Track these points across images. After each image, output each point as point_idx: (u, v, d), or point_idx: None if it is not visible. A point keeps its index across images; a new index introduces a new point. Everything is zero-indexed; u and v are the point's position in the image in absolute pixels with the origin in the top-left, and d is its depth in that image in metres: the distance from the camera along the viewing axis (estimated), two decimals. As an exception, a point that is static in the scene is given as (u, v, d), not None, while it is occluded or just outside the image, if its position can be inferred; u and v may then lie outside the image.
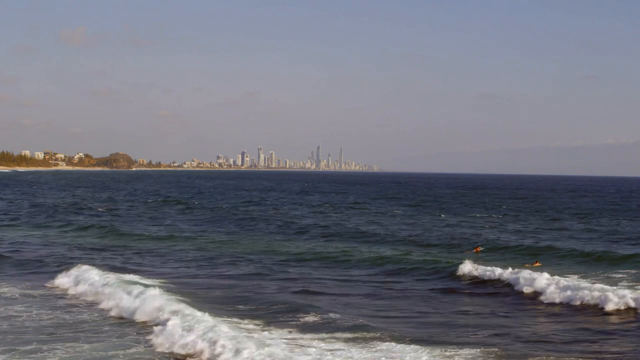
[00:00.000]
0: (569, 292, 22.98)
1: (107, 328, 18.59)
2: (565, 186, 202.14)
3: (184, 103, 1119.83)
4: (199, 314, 18.46)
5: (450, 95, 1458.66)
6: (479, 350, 16.17)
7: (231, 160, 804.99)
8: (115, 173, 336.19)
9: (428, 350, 15.96)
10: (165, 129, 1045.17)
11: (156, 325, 18.02)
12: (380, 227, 51.35)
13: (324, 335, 17.43)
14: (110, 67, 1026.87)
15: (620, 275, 28.02)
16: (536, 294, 23.86)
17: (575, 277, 27.61)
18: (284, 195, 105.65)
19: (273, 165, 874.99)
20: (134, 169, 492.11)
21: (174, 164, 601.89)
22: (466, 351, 16.06)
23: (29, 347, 16.19)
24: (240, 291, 24.13)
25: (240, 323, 18.68)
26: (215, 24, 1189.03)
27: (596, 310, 21.45)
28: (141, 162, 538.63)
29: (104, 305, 21.12)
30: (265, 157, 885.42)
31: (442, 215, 64.33)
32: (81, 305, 21.59)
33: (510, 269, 27.34)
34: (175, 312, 18.68)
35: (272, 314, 20.09)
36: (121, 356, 15.79)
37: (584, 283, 25.30)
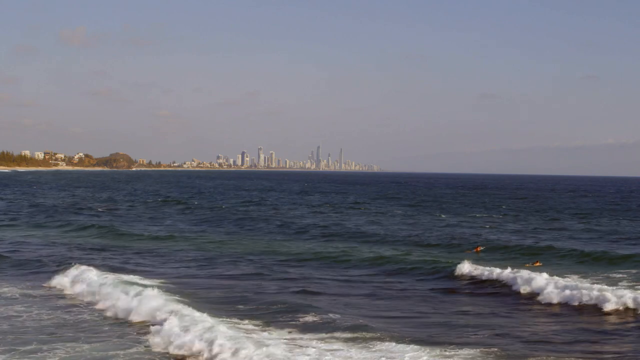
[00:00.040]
0: (568, 292, 22.96)
1: (106, 328, 18.60)
2: (565, 186, 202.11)
3: (184, 103, 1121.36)
4: (197, 314, 18.45)
5: (450, 95, 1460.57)
6: (478, 350, 16.16)
7: (231, 160, 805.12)
8: (115, 173, 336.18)
9: (428, 350, 15.95)
10: (165, 129, 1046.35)
11: (155, 325, 17.98)
12: (380, 227, 51.34)
13: (324, 335, 17.42)
14: (110, 67, 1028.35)
15: (620, 275, 28.01)
16: (536, 294, 23.83)
17: (575, 277, 27.61)
18: (284, 195, 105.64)
19: (273, 165, 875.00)
20: (134, 169, 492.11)
21: (174, 164, 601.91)
22: (466, 351, 16.05)
23: (29, 347, 16.20)
24: (239, 291, 24.12)
25: (239, 323, 18.67)
26: (215, 24, 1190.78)
27: (596, 310, 21.43)
28: (141, 162, 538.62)
29: (103, 305, 21.10)
30: (265, 157, 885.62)
31: (442, 215, 64.31)
32: (81, 306, 21.59)
33: (510, 269, 27.31)
34: (173, 312, 18.66)
35: (272, 314, 20.08)
36: (121, 356, 15.79)
37: (583, 283, 25.31)
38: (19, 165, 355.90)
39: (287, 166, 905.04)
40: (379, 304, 22.94)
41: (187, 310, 18.91)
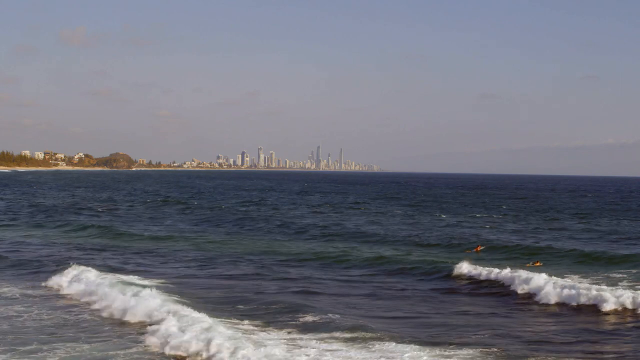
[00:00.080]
0: (567, 292, 22.95)
1: (106, 328, 18.62)
2: (565, 186, 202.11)
3: (184, 103, 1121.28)
4: (196, 314, 18.45)
5: (450, 95, 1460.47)
6: (478, 350, 16.15)
7: (231, 160, 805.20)
8: (115, 173, 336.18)
9: (427, 350, 15.94)
10: (165, 129, 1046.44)
11: (153, 325, 17.95)
12: (380, 227, 51.33)
13: (323, 335, 17.41)
14: (110, 67, 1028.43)
15: (621, 275, 28.01)
16: (535, 295, 23.80)
17: (576, 277, 27.62)
18: (284, 195, 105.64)
19: (273, 165, 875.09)
20: (134, 169, 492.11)
21: (174, 164, 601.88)
22: (465, 351, 16.05)
23: (29, 347, 16.21)
24: (239, 291, 24.12)
25: (239, 323, 18.67)
26: (215, 24, 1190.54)
27: (595, 310, 21.42)
28: (141, 162, 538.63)
29: (102, 305, 21.05)
30: (265, 157, 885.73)
31: (442, 215, 64.30)
32: (80, 306, 21.59)
33: (509, 269, 27.29)
34: (172, 312, 18.65)
35: (272, 314, 20.07)
36: (121, 356, 15.79)
37: (583, 283, 25.32)
38: (19, 165, 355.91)
39: (287, 166, 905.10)
40: (379, 304, 22.93)
41: (186, 311, 18.91)
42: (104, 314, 20.05)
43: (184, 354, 15.96)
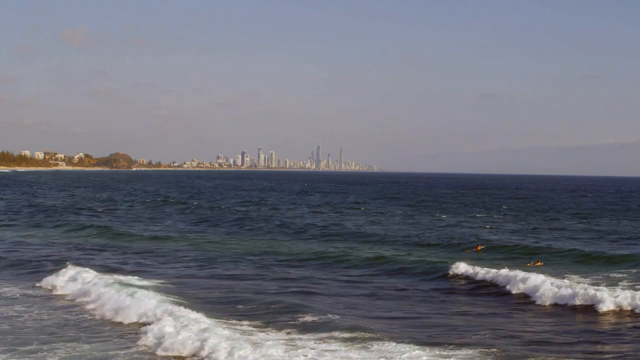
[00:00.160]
0: (567, 293, 22.91)
1: (106, 328, 18.62)
2: (565, 186, 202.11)
3: (184, 103, 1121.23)
4: (193, 314, 18.40)
5: (450, 95, 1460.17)
6: (477, 350, 16.13)
7: (231, 160, 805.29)
8: (115, 173, 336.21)
9: (427, 350, 15.92)
10: (165, 129, 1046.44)
11: (150, 326, 17.86)
12: (380, 227, 51.31)
13: (322, 335, 17.38)
14: (110, 67, 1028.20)
15: (621, 275, 27.98)
16: (535, 295, 23.75)
17: (576, 276, 27.61)
18: (284, 195, 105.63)
19: (273, 165, 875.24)
20: (134, 169, 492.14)
21: (174, 164, 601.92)
22: (465, 352, 16.03)
23: (29, 347, 16.19)
24: (239, 291, 24.08)
25: (237, 324, 18.64)
26: (215, 24, 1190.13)
27: (595, 310, 21.37)
28: (141, 162, 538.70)
29: (101, 305, 20.98)
30: (265, 157, 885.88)
31: (442, 215, 64.27)
32: (80, 306, 21.58)
33: (509, 270, 27.25)
34: (169, 313, 18.59)
35: (271, 314, 20.03)
36: (122, 356, 15.78)
37: (583, 283, 25.30)
38: (19, 165, 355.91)
39: (287, 166, 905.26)
40: (378, 304, 22.91)
41: (183, 311, 18.86)
42: (104, 314, 20.02)
43: (180, 355, 15.92)
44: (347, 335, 17.37)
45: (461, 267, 28.78)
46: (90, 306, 21.19)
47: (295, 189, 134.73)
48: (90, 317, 19.98)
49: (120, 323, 19.18)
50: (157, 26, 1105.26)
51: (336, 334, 17.49)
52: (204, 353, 15.57)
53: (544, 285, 23.85)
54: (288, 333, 17.75)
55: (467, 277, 28.02)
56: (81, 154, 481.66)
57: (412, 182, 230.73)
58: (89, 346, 16.45)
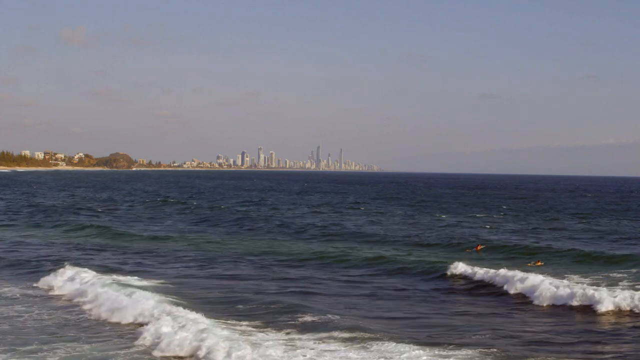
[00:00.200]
0: (567, 293, 22.86)
1: (106, 328, 18.62)
2: (565, 186, 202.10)
3: (184, 103, 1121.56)
4: (192, 314, 18.37)
5: (450, 95, 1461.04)
6: (477, 351, 16.11)
7: (231, 160, 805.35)
8: (115, 173, 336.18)
9: (426, 350, 15.90)
10: (165, 129, 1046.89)
11: (148, 326, 17.80)
12: (380, 227, 51.29)
13: (322, 335, 17.35)
14: (110, 67, 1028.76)
15: (621, 275, 27.96)
16: (534, 295, 23.71)
17: (576, 276, 27.59)
18: (284, 195, 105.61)
19: (273, 165, 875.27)
20: (134, 169, 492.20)
21: (174, 164, 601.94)
22: (464, 352, 16.00)
23: (29, 347, 16.19)
24: (238, 291, 24.06)
25: (236, 324, 18.61)
26: (215, 24, 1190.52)
27: (595, 311, 21.34)
28: (141, 162, 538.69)
29: (98, 306, 20.94)
30: (265, 157, 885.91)
31: (442, 215, 64.24)
32: (79, 306, 21.56)
33: (508, 270, 27.22)
34: (169, 313, 18.54)
35: (270, 314, 20.01)
36: (122, 355, 15.78)
37: (583, 283, 25.28)
38: (19, 165, 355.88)
39: (287, 166, 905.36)
40: (378, 304, 22.89)
41: (182, 311, 18.83)
42: (107, 314, 19.97)
43: (178, 355, 15.87)
44: (346, 335, 17.35)
45: (460, 267, 28.77)
46: (87, 306, 21.15)
47: (295, 189, 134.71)
48: (90, 318, 19.96)
49: (118, 323, 19.15)
50: (157, 26, 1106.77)
51: (336, 334, 17.47)
52: (201, 353, 15.52)
53: (544, 285, 23.80)
54: (287, 333, 17.72)
55: (466, 277, 28.00)
56: (81, 154, 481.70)
57: (412, 182, 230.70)
58: (89, 346, 16.45)
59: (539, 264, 31.47)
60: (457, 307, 22.69)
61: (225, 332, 16.82)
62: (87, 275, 25.03)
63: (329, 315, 19.59)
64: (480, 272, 27.68)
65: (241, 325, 18.45)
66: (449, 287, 26.75)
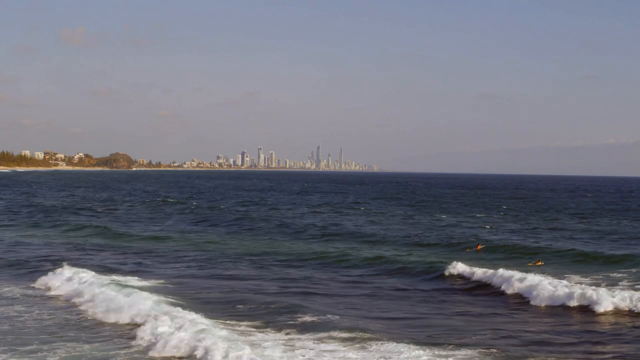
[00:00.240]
0: (567, 293, 22.83)
1: (106, 328, 18.61)
2: (565, 186, 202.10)
3: (184, 103, 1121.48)
4: (191, 314, 18.36)
5: (450, 95, 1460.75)
6: (476, 351, 16.10)
7: (231, 160, 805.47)
8: (115, 173, 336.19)
9: (426, 350, 15.89)
10: (165, 129, 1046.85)
11: (146, 326, 17.73)
12: (380, 227, 51.27)
13: (322, 335, 17.34)
14: (110, 67, 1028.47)
15: (621, 275, 27.95)
16: (534, 295, 23.68)
17: (576, 276, 27.59)
18: (284, 195, 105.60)
19: (273, 165, 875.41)
20: (134, 169, 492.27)
21: (174, 164, 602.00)
22: (464, 352, 15.99)
23: (29, 347, 16.20)
24: (238, 291, 24.04)
25: (236, 324, 18.60)
26: (215, 24, 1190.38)
27: (594, 310, 21.32)
28: (141, 162, 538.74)
29: (98, 306, 20.93)
30: (265, 157, 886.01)
31: (442, 216, 64.23)
32: (79, 306, 21.54)
33: (508, 270, 27.19)
34: (167, 314, 18.52)
35: (270, 314, 20.00)
36: (122, 355, 15.78)
37: (583, 283, 25.27)
38: (19, 165, 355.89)
39: (287, 166, 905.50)
40: (378, 304, 22.87)
41: (180, 311, 18.82)
42: (106, 315, 19.94)
43: (175, 356, 15.84)
44: (346, 335, 17.34)
45: (460, 268, 28.75)
46: (85, 307, 21.12)
47: (295, 189, 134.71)
48: (89, 318, 19.95)
49: (117, 323, 19.11)
50: (157, 26, 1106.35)
51: (335, 334, 17.46)
52: (199, 354, 15.48)
53: (543, 286, 23.78)
54: (287, 333, 17.71)
55: (466, 277, 27.98)
56: (81, 154, 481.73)
57: (412, 182, 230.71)
58: (89, 346, 16.45)
59: (539, 263, 31.47)
60: (457, 307, 22.67)
61: (224, 333, 16.81)
62: (86, 275, 25.01)
63: (329, 316, 19.58)
64: (480, 272, 27.65)
65: (240, 326, 18.43)
66: (448, 287, 26.74)
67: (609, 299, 21.57)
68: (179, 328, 17.04)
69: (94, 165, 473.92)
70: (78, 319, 19.74)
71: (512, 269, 27.46)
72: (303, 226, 50.69)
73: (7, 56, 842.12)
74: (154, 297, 20.96)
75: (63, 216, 57.22)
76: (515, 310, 22.40)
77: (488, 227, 52.31)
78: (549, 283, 24.02)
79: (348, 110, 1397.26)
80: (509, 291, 24.81)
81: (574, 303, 22.12)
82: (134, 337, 17.23)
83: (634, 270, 29.12)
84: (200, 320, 17.76)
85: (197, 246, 38.35)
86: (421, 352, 15.74)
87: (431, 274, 29.34)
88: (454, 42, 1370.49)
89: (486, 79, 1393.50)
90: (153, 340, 16.59)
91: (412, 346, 16.20)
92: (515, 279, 25.27)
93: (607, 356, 16.50)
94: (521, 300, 23.67)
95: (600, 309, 21.24)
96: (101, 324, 19.19)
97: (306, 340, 16.87)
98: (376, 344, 16.41)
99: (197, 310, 19.14)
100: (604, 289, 23.05)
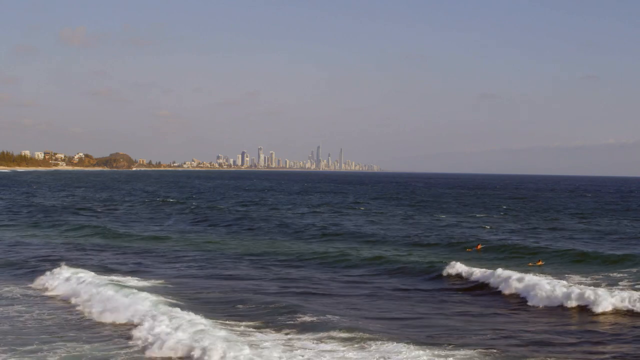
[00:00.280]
0: (567, 293, 22.81)
1: (105, 328, 18.59)
2: (565, 186, 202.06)
3: (184, 103, 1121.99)
4: (190, 315, 18.32)
5: (450, 95, 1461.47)
6: (476, 351, 16.08)
7: (231, 160, 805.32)
8: (115, 173, 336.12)
9: (426, 351, 15.87)
10: (165, 129, 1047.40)
11: (144, 326, 17.69)
12: (380, 227, 51.25)
13: (321, 335, 17.32)
14: (110, 67, 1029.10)
15: (621, 275, 27.94)
16: (533, 295, 23.66)
17: (576, 276, 27.58)
18: (284, 195, 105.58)
19: (273, 165, 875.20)
20: (134, 169, 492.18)
21: (174, 164, 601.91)
22: (464, 352, 15.98)
23: (29, 347, 16.20)
24: (238, 292, 24.03)
25: (235, 324, 18.58)
26: (215, 24, 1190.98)
27: (594, 311, 21.29)
28: (141, 162, 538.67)
29: (96, 306, 20.87)
30: (265, 157, 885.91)
31: (442, 216, 64.22)
32: (78, 306, 21.51)
33: (508, 270, 27.17)
34: (165, 314, 18.49)
35: (270, 314, 19.98)
36: (122, 355, 15.78)
37: (583, 283, 25.26)
38: (19, 165, 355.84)
39: (287, 166, 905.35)
40: (378, 304, 22.86)
41: (179, 312, 18.79)
42: (105, 315, 19.89)
43: (173, 356, 15.81)
44: (345, 335, 17.32)
45: (460, 268, 28.71)
46: (84, 307, 21.09)
47: (295, 189, 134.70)
48: (88, 318, 19.93)
49: (115, 324, 19.05)
50: (157, 26, 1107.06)
51: (335, 334, 17.45)
52: (197, 354, 15.46)
53: (543, 286, 23.75)
54: (287, 333, 17.69)
55: (466, 277, 27.95)
56: (81, 154, 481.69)
57: (412, 182, 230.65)
58: (89, 346, 16.44)
59: (540, 263, 31.47)
60: (456, 307, 22.66)
61: (223, 333, 16.78)
62: (84, 275, 24.98)
63: (329, 316, 19.57)
64: (480, 272, 27.62)
65: (240, 326, 18.41)
66: (448, 287, 26.72)
67: (608, 299, 21.54)
68: (177, 328, 17.00)
69: (94, 165, 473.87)
70: (78, 319, 19.74)
71: (512, 269, 27.45)
72: (303, 226, 50.67)
73: (7, 56, 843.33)
74: (153, 297, 20.93)
75: (63, 216, 57.20)
76: (515, 310, 22.39)
77: (488, 227, 52.29)
78: (549, 283, 23.99)
79: (348, 110, 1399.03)
80: (509, 291, 24.78)
81: (573, 303, 22.08)
82: (133, 337, 17.20)
83: (634, 270, 29.10)
84: (199, 321, 17.72)
85: (196, 246, 38.34)
86: (421, 352, 15.73)
87: (431, 274, 29.33)
88: (454, 42, 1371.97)
89: (486, 79, 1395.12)
90: (151, 340, 16.54)
91: (411, 346, 16.19)
92: (515, 279, 25.24)
93: (607, 356, 16.49)
94: (521, 300, 23.63)
95: (600, 309, 21.21)
96: (101, 324, 19.17)
97: (305, 341, 16.86)
98: (376, 344, 16.40)
99: (196, 311, 19.11)
100: (604, 289, 23.04)
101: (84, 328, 18.67)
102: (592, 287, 23.36)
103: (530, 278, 24.85)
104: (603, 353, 16.73)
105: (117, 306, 19.94)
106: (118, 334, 17.91)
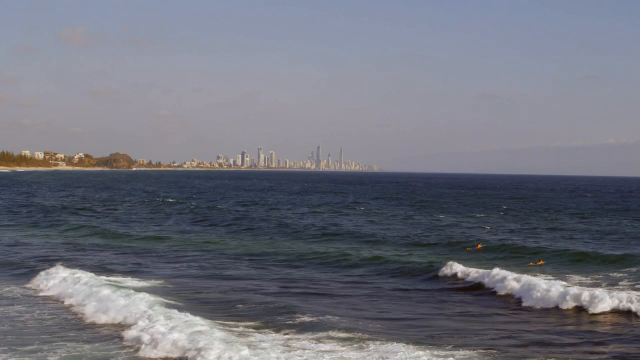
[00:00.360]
0: (567, 293, 22.80)
1: (105, 329, 18.59)
2: (565, 186, 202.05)
3: (184, 103, 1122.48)
4: (189, 315, 18.29)
5: (450, 95, 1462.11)
6: (476, 351, 16.07)
7: (231, 160, 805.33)
8: (115, 173, 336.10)
9: (426, 351, 15.85)
10: (165, 129, 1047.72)
11: (142, 326, 17.66)
12: (380, 227, 51.25)
13: (320, 335, 17.29)
14: (110, 67, 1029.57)
15: (621, 275, 27.93)
16: (533, 295, 23.65)
17: (576, 276, 27.58)
18: (284, 195, 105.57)
19: (273, 165, 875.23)
20: (134, 169, 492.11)
21: (174, 164, 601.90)
22: (464, 352, 15.96)
23: (30, 347, 16.20)
24: (237, 292, 24.02)
25: (234, 324, 18.55)
26: (215, 24, 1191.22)
27: (594, 311, 21.27)
28: (141, 162, 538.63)
29: (98, 306, 20.84)
30: (265, 157, 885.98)
31: (442, 216, 64.21)
32: (78, 306, 21.49)
33: (508, 270, 27.16)
34: (163, 314, 18.46)
35: (269, 315, 19.95)
36: (122, 355, 15.78)
37: (582, 283, 25.26)
38: (19, 165, 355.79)
39: (287, 166, 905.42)
40: (377, 304, 22.84)
41: (177, 312, 18.76)
42: (104, 315, 19.83)
43: (171, 356, 15.79)
44: (344, 335, 17.30)
45: (460, 268, 28.68)
46: (80, 307, 21.06)
47: (295, 189, 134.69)
48: (84, 318, 19.90)
49: (113, 324, 19.02)
50: (157, 26, 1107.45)
51: (334, 334, 17.43)
52: (194, 354, 15.43)
53: (542, 286, 23.74)
54: (286, 334, 17.67)
55: (465, 278, 27.94)
56: (81, 154, 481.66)
57: (412, 182, 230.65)
58: (90, 346, 16.43)
59: (540, 263, 31.47)
60: (456, 307, 22.65)
61: (221, 333, 16.74)
62: (82, 275, 24.93)
63: (328, 316, 19.56)
64: (480, 273, 27.60)
65: (239, 326, 18.38)
66: (448, 287, 26.71)
67: (609, 299, 21.53)
68: (174, 328, 16.95)
69: (94, 165, 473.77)
70: (78, 319, 19.73)
71: (512, 269, 27.44)
72: (303, 226, 50.67)
73: (7, 56, 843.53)
74: (151, 298, 20.88)
75: (63, 216, 57.19)
76: (515, 310, 22.37)
77: (488, 227, 52.29)
78: (549, 283, 23.98)
79: (348, 110, 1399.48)
80: (509, 291, 24.76)
81: (573, 303, 22.06)
82: (130, 338, 17.18)
83: (634, 270, 29.09)
84: (197, 321, 17.69)
85: (196, 246, 38.33)
86: (420, 352, 15.71)
87: (431, 274, 29.31)
88: (454, 42, 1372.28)
89: (486, 79, 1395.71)
90: (147, 341, 16.50)
91: (411, 346, 16.18)
92: (515, 279, 25.23)
93: (607, 356, 16.47)
94: (521, 301, 23.62)
95: (602, 309, 21.19)
96: (100, 324, 19.16)
97: (304, 341, 16.83)
98: (375, 344, 16.38)
99: (195, 311, 19.10)
100: (603, 289, 23.03)
101: (83, 328, 18.67)
102: (592, 287, 23.34)
103: (531, 278, 24.84)
104: (603, 353, 16.72)
105: (113, 307, 19.89)
106: (118, 334, 17.89)
